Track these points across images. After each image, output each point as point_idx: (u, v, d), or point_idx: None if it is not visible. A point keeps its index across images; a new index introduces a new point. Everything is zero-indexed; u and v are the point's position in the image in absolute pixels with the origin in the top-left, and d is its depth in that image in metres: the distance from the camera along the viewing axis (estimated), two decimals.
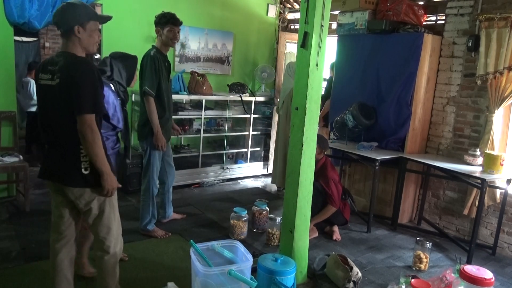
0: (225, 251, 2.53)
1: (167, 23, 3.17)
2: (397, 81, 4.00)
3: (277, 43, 5.87)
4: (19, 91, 5.42)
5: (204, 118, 4.95)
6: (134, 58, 2.82)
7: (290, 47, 5.85)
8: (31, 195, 4.00)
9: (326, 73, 4.48)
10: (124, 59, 2.74)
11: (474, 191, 3.65)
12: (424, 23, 4.14)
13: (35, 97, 5.47)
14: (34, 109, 5.55)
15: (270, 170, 5.57)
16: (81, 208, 2.05)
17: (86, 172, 1.96)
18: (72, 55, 1.95)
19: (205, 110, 4.85)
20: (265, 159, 5.62)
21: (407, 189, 4.11)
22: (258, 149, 5.63)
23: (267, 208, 3.78)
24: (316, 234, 3.67)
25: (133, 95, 4.65)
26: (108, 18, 2.09)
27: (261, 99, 5.40)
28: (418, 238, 3.30)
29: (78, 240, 2.36)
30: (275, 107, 5.34)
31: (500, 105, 3.51)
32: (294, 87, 2.74)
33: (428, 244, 3.18)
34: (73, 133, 1.91)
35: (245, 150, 5.45)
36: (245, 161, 5.45)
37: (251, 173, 5.47)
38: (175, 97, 4.54)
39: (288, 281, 2.44)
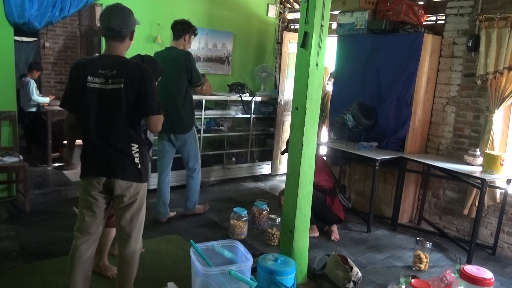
0: (225, 251, 2.53)
1: (194, 34, 3.66)
2: (397, 81, 4.00)
3: (278, 43, 5.87)
4: (19, 91, 5.42)
5: (204, 118, 4.96)
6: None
7: (291, 48, 5.84)
8: (31, 195, 4.00)
9: None
10: (149, 62, 2.64)
11: (474, 191, 3.65)
12: (424, 23, 4.14)
13: (33, 97, 5.46)
14: (34, 109, 5.55)
15: (270, 170, 5.58)
16: (125, 201, 2.15)
17: (139, 167, 2.14)
18: (127, 59, 2.10)
19: (205, 110, 4.85)
20: (266, 159, 5.62)
21: (407, 189, 4.11)
22: (259, 149, 5.63)
23: (267, 208, 3.78)
24: (317, 234, 3.67)
25: None
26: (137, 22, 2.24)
27: (261, 99, 5.40)
28: (418, 238, 3.30)
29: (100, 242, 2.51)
30: (279, 106, 5.37)
31: (500, 105, 3.51)
32: (294, 87, 2.74)
33: (428, 244, 3.18)
34: (128, 132, 2.10)
35: (245, 150, 5.45)
36: (245, 161, 5.45)
37: (251, 173, 5.47)
38: None
39: (288, 281, 2.44)
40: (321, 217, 3.67)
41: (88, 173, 2.14)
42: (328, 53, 2.77)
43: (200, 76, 3.65)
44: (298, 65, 2.66)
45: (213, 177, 5.08)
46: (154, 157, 4.06)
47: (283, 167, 5.57)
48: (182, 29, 3.56)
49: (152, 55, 3.06)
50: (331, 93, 4.97)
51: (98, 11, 5.69)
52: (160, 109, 2.13)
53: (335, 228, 3.73)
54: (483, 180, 3.24)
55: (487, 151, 3.49)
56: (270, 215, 3.59)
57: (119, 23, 2.02)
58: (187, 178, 3.87)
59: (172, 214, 3.84)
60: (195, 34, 3.68)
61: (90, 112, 2.06)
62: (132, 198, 2.17)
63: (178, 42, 3.59)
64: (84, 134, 2.13)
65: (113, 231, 2.68)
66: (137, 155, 2.13)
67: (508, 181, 3.46)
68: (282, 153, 4.33)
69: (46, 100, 5.59)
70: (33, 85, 5.47)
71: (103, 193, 2.16)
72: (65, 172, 5.16)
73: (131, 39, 2.12)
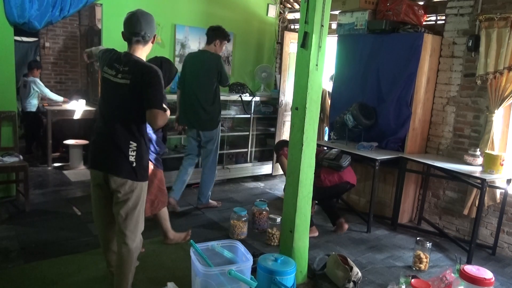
0: (225, 251, 2.53)
1: (227, 40, 3.95)
2: (397, 81, 4.00)
3: (278, 43, 5.87)
4: (20, 91, 5.42)
5: None
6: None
7: (291, 48, 5.84)
8: (31, 195, 4.00)
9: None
10: (166, 64, 2.92)
11: (474, 191, 3.65)
12: (424, 23, 4.14)
13: (48, 95, 5.49)
14: (34, 109, 5.55)
15: (270, 170, 5.58)
16: (119, 197, 2.21)
17: (134, 165, 2.19)
18: (140, 60, 2.19)
19: None
20: (266, 159, 5.62)
21: (407, 189, 4.11)
22: (259, 149, 5.63)
23: (267, 208, 3.78)
24: (316, 234, 3.67)
25: None
26: None
27: (261, 99, 5.40)
28: (418, 238, 3.30)
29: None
30: (280, 106, 5.38)
31: (500, 105, 3.51)
32: (294, 87, 2.74)
33: (428, 244, 3.18)
34: (130, 128, 2.17)
35: (246, 150, 5.45)
36: (246, 161, 5.45)
37: (251, 173, 5.47)
38: (174, 97, 4.56)
39: (288, 281, 2.44)
40: (321, 199, 3.53)
41: (91, 165, 2.30)
42: (328, 53, 2.76)
43: (228, 77, 3.99)
44: (298, 65, 2.66)
45: None
46: (179, 155, 4.45)
47: None
48: (214, 34, 3.87)
49: (155, 55, 3.13)
50: (330, 91, 4.98)
51: (98, 11, 5.69)
52: (163, 107, 2.17)
53: (342, 224, 3.73)
54: (483, 180, 3.24)
55: (487, 151, 3.49)
56: (270, 215, 3.59)
57: (144, 28, 2.16)
58: (202, 173, 4.14)
59: (178, 209, 4.01)
60: (228, 40, 3.97)
61: (103, 99, 2.26)
62: (127, 196, 2.21)
63: (210, 46, 3.90)
64: (98, 116, 2.28)
65: (162, 212, 3.13)
66: (133, 153, 2.17)
67: (508, 181, 3.46)
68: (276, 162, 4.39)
69: (60, 98, 5.61)
70: (39, 83, 5.48)
71: (104, 185, 2.25)
72: (65, 172, 5.16)
73: (152, 42, 2.27)
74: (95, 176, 2.27)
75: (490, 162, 3.34)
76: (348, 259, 2.90)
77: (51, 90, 6.79)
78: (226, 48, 5.49)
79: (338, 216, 3.82)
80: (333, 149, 3.75)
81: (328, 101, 5.11)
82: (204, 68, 3.83)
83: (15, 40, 4.34)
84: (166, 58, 2.89)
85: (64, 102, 5.73)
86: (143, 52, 2.24)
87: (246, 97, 5.15)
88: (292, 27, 5.89)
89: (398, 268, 3.17)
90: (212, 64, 3.83)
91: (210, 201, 4.21)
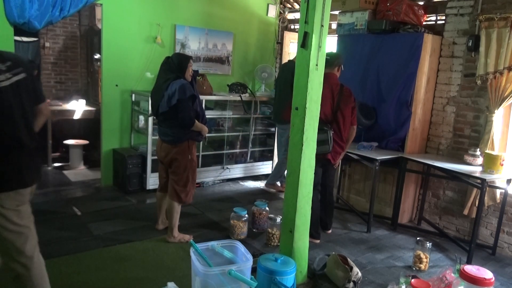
0: (225, 251, 2.53)
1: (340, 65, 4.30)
2: (397, 81, 4.00)
3: (278, 43, 5.87)
4: None
5: None
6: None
7: (291, 48, 5.83)
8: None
9: None
10: None
11: (474, 191, 3.65)
12: (424, 23, 4.14)
13: None
14: None
15: (270, 170, 5.58)
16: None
17: None
18: None
19: (205, 110, 4.84)
20: (266, 159, 5.62)
21: (407, 189, 4.11)
22: (259, 149, 5.63)
23: (267, 208, 3.78)
24: (318, 241, 3.62)
25: (133, 95, 4.67)
26: None
27: (261, 99, 5.40)
28: (418, 238, 3.30)
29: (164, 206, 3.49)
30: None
31: (500, 105, 3.51)
32: (294, 87, 2.74)
33: (428, 244, 3.18)
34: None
35: (245, 150, 5.45)
36: (245, 161, 5.45)
37: (251, 173, 5.47)
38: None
39: (288, 281, 2.44)
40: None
41: None
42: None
43: None
44: (298, 65, 2.66)
45: (213, 177, 5.08)
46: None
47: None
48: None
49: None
50: None
51: (98, 11, 5.69)
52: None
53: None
54: (483, 180, 3.24)
55: (487, 151, 3.49)
56: (270, 215, 3.59)
57: None
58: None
59: (279, 186, 4.97)
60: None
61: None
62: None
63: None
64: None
65: (178, 206, 3.31)
66: None
67: (508, 181, 3.46)
68: None
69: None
70: None
71: None
72: (65, 172, 5.15)
73: None
74: None
75: (490, 162, 3.34)
76: (348, 259, 2.90)
77: (51, 91, 6.78)
78: (226, 48, 5.51)
79: (327, 224, 3.79)
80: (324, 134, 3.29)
81: None
82: (291, 73, 4.44)
83: (15, 40, 4.33)
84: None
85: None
86: None
87: (246, 97, 5.15)
88: (292, 27, 5.89)
89: (398, 268, 3.17)
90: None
91: (277, 184, 4.97)
